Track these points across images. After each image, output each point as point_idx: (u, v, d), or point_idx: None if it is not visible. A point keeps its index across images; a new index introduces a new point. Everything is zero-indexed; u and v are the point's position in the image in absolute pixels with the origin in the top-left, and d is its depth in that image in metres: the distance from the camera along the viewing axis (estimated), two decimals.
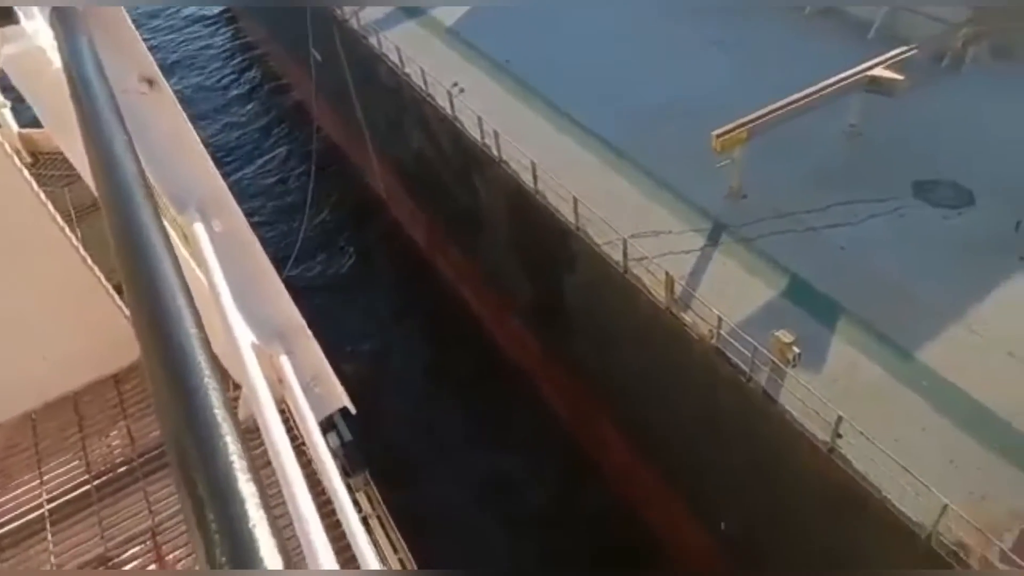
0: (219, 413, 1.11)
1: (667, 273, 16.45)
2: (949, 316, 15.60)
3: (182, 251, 3.54)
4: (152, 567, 6.96)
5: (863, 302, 16.05)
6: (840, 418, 13.27)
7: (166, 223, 1.77)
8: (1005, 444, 13.34)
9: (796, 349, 14.71)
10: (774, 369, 14.85)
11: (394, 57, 26.24)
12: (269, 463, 2.09)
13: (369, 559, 2.45)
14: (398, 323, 28.72)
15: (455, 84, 24.19)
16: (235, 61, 48.56)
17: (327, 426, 20.85)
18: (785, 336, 14.83)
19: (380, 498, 16.48)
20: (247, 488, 1.04)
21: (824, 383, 14.61)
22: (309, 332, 3.59)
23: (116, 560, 7.11)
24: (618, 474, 21.12)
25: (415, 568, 15.02)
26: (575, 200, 18.52)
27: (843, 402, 13.80)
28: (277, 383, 3.17)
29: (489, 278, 26.17)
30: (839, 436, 13.50)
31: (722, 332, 15.42)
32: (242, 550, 0.97)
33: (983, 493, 12.76)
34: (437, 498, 22.03)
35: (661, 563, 19.27)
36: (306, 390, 3.19)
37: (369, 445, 20.48)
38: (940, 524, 12.02)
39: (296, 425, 3.14)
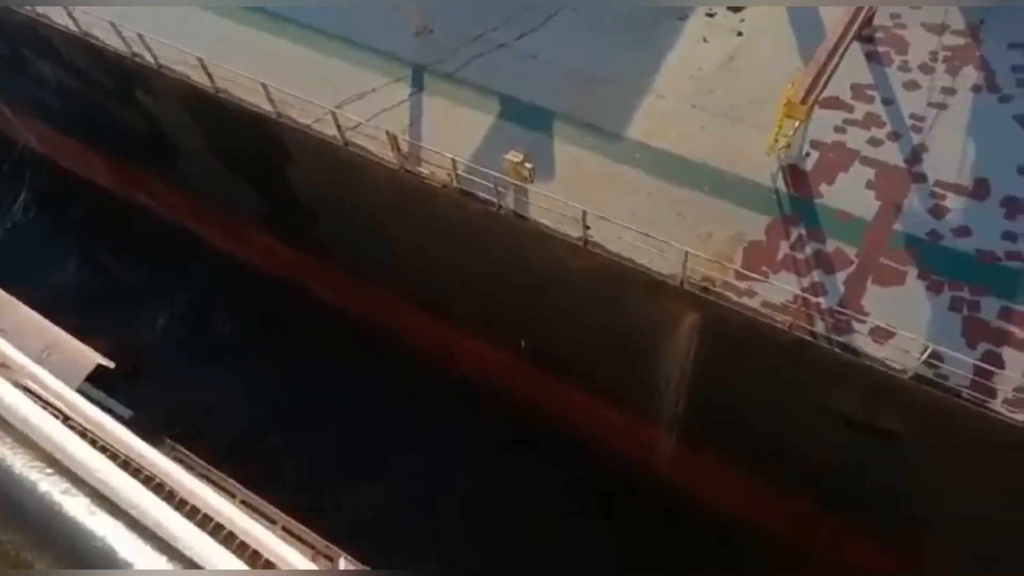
0: None
1: (387, 132, 15.99)
2: (638, 88, 17.11)
3: None
4: None
5: (567, 101, 16.99)
6: (584, 212, 14.33)
7: None
8: (711, 184, 15.40)
9: (528, 165, 15.41)
10: (517, 190, 15.47)
11: None
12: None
13: (218, 506, 2.09)
14: (129, 276, 25.44)
15: None
16: None
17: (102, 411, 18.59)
18: (515, 156, 15.40)
19: (195, 457, 15.67)
20: None
21: (560, 186, 15.57)
22: (15, 300, 2.84)
23: None
24: (415, 333, 21.26)
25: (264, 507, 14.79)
26: (265, 86, 16.94)
27: (580, 196, 14.86)
28: (3, 369, 2.49)
29: (209, 200, 23.73)
30: (588, 228, 14.65)
31: (460, 173, 15.58)
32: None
33: (708, 231, 14.81)
34: (254, 435, 21.06)
35: (477, 388, 20.20)
36: (42, 362, 2.54)
37: (161, 411, 19.12)
38: (687, 270, 13.80)
39: (52, 402, 2.53)
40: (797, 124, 15.09)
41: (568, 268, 15.61)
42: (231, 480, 16.31)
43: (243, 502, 16.15)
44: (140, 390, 21.03)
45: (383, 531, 18.33)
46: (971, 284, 13.45)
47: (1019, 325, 12.95)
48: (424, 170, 16.25)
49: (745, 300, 13.81)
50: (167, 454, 17.33)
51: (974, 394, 12.26)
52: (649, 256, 14.29)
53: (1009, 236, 13.92)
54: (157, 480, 2.11)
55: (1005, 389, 12.19)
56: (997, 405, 12.20)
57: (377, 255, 20.07)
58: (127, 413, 19.08)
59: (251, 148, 19.36)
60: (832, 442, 14.75)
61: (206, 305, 24.66)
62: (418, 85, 17.69)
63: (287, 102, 17.18)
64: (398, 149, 16.26)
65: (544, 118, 16.82)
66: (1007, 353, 12.74)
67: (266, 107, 17.39)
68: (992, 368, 12.31)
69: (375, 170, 16.80)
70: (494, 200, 15.43)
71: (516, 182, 15.46)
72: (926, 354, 12.26)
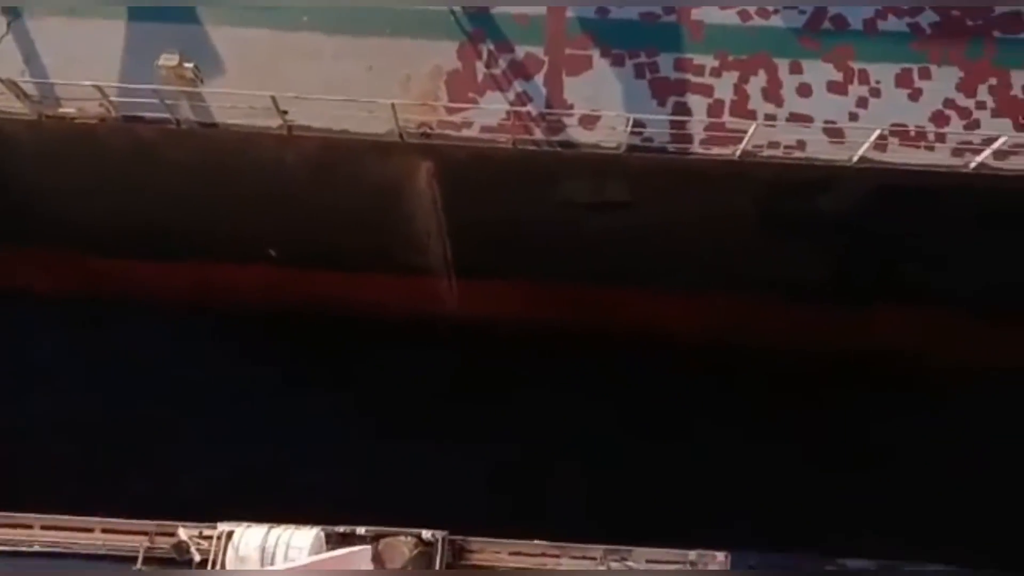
0: None
1: (1, 80, 13.07)
2: None
3: None
4: None
5: None
6: (273, 98, 13.11)
7: None
8: (390, 25, 14.67)
9: (189, 65, 13.58)
10: (190, 96, 13.71)
11: None
12: None
13: None
14: None
15: None
16: None
17: None
18: (169, 60, 13.44)
19: None
20: None
21: (238, 77, 14.05)
22: None
23: None
24: (158, 286, 18.82)
25: None
26: None
27: (265, 81, 13.62)
28: None
29: None
30: (285, 113, 13.53)
31: (114, 99, 13.36)
32: None
33: (405, 75, 14.38)
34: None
35: (247, 310, 19.07)
36: None
37: None
38: (400, 122, 13.44)
39: None
40: None
41: (284, 161, 14.56)
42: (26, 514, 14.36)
43: (43, 526, 14.47)
44: None
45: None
46: (646, 48, 14.58)
47: (691, 72, 14.46)
48: (69, 109, 13.73)
49: (465, 132, 13.92)
50: None
51: (676, 146, 13.80)
52: (360, 121, 13.65)
53: None
54: None
55: (698, 132, 13.84)
56: (696, 148, 13.88)
57: (71, 223, 16.92)
58: None
59: None
60: (584, 229, 16.02)
61: None
62: (12, 11, 14.34)
63: None
64: (24, 95, 13.47)
65: (186, 6, 14.64)
66: (690, 99, 14.31)
67: None
68: (683, 118, 13.84)
69: (10, 128, 13.94)
70: (168, 116, 13.60)
71: (184, 88, 13.65)
72: (629, 125, 13.35)
